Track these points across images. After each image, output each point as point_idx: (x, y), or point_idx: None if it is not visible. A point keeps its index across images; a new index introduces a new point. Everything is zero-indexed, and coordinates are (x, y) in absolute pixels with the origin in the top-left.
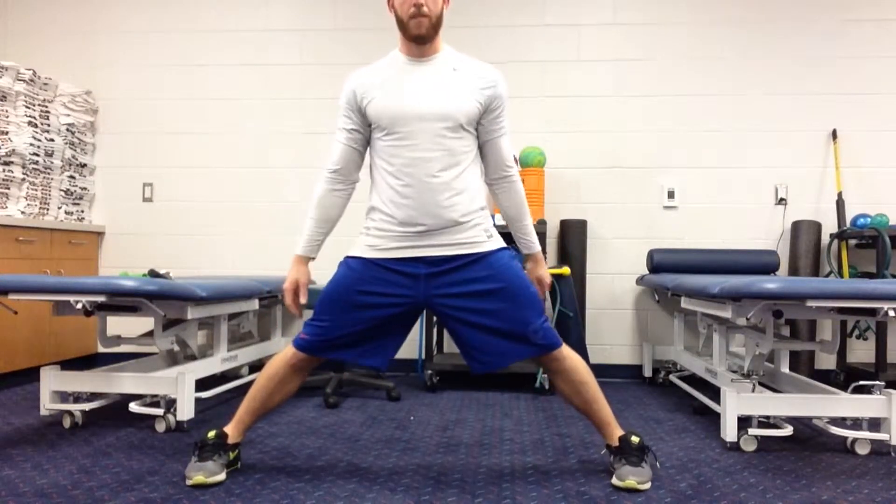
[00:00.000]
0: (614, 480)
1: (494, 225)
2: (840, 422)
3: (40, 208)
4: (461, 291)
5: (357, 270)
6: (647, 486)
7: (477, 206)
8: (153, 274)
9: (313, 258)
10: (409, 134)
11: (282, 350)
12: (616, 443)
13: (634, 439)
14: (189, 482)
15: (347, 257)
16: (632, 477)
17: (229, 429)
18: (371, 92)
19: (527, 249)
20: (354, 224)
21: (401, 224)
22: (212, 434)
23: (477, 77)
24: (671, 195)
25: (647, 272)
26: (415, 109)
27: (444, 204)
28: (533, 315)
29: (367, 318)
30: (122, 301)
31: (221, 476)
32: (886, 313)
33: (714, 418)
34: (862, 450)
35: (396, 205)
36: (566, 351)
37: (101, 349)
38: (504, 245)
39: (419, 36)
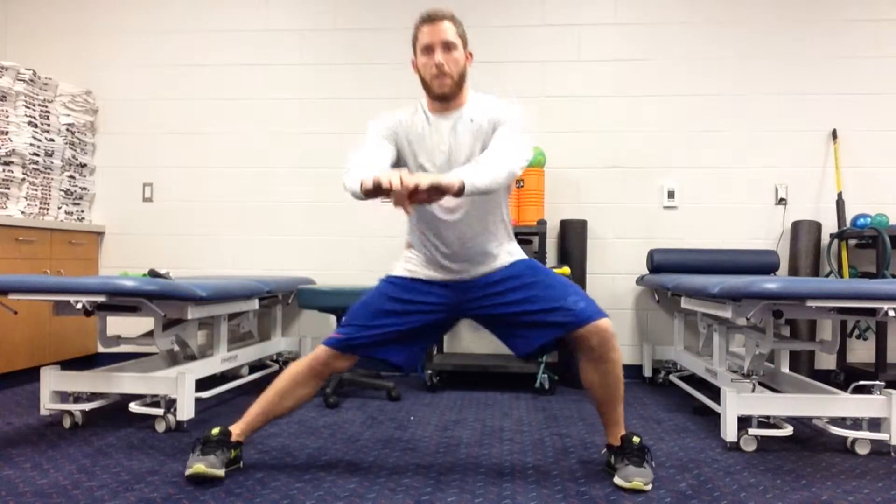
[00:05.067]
0: (619, 481)
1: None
2: (840, 422)
3: (40, 208)
4: (495, 291)
5: (396, 284)
6: (650, 486)
7: (505, 241)
8: (153, 274)
9: None
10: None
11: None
12: (618, 442)
13: (636, 439)
14: (188, 471)
15: (389, 276)
16: (637, 478)
17: (234, 427)
18: (402, 140)
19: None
20: (351, 223)
21: (436, 263)
22: (216, 431)
23: (489, 120)
24: (671, 195)
25: (647, 272)
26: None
27: (476, 251)
28: (571, 290)
29: (402, 322)
30: (122, 301)
31: (220, 472)
32: (886, 313)
33: (714, 418)
34: (862, 450)
35: (431, 251)
36: (610, 330)
37: (101, 349)
38: (525, 256)
39: (443, 95)
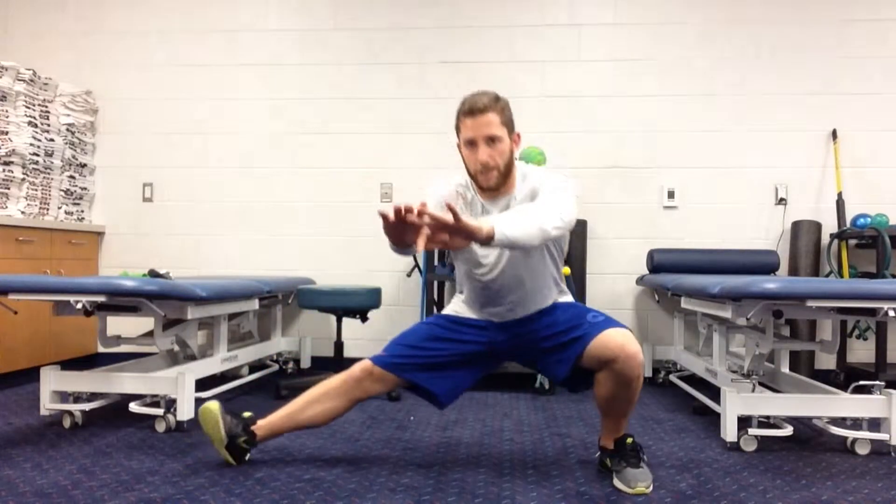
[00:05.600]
0: (622, 486)
1: None
2: (840, 422)
3: (40, 208)
4: (528, 322)
5: (444, 318)
6: (651, 487)
7: (551, 293)
8: (153, 274)
9: None
10: (480, 273)
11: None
12: (611, 445)
13: (629, 440)
14: (204, 404)
15: (438, 314)
16: (640, 483)
17: (261, 420)
18: None
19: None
20: (351, 223)
21: (482, 313)
22: (247, 413)
23: (530, 193)
24: (671, 195)
25: (647, 272)
26: (483, 259)
27: (523, 309)
28: (592, 311)
29: (449, 347)
30: (122, 301)
31: (221, 431)
32: (886, 313)
33: (714, 418)
34: (862, 450)
35: (482, 307)
36: (638, 359)
37: (101, 349)
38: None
39: (489, 188)
